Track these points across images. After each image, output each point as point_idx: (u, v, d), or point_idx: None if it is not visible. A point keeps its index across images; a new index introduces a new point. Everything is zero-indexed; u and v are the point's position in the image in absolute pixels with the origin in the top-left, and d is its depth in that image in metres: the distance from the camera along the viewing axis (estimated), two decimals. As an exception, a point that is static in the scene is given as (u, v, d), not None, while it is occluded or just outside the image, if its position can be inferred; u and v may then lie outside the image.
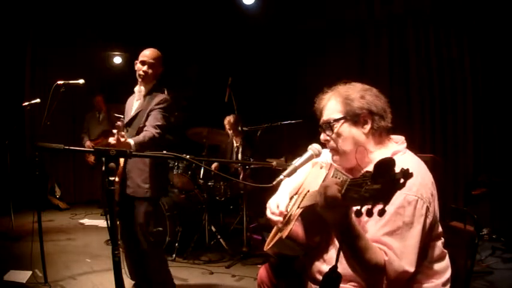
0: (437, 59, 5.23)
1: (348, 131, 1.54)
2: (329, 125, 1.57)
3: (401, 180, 0.93)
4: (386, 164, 0.95)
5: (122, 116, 3.07)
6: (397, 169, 0.95)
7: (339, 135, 1.56)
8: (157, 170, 2.86)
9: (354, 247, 1.26)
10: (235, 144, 5.25)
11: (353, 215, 1.17)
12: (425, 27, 5.28)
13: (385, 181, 0.94)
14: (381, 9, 5.62)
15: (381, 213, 0.96)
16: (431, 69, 5.28)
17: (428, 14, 5.23)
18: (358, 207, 1.01)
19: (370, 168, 1.52)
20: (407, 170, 0.93)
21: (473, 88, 5.01)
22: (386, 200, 0.95)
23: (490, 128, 4.91)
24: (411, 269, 1.31)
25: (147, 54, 2.88)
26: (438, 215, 1.46)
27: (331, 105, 1.59)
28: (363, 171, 1.05)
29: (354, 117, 1.53)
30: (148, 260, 2.88)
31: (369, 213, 0.98)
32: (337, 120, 1.55)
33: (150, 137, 2.62)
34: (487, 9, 4.75)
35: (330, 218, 1.22)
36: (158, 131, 2.68)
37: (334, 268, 1.23)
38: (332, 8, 5.90)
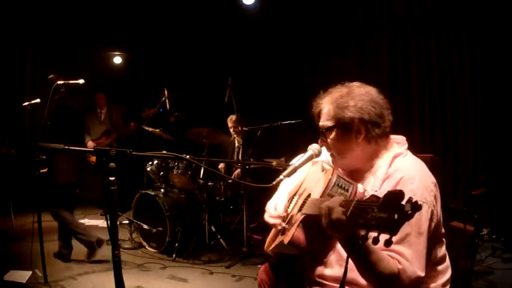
0: (437, 59, 5.22)
1: (340, 139, 1.53)
2: (323, 132, 1.57)
3: (409, 212, 0.94)
4: (395, 196, 0.97)
5: None
6: (405, 198, 0.96)
7: (332, 142, 1.55)
8: None
9: (364, 261, 1.27)
10: (236, 144, 5.23)
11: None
12: (425, 27, 5.27)
13: (393, 212, 0.95)
14: (380, 10, 5.61)
15: (387, 244, 0.97)
16: (431, 70, 5.26)
17: (428, 15, 5.22)
18: (363, 233, 1.02)
19: (371, 172, 1.53)
20: (416, 202, 0.95)
21: (473, 88, 5.00)
22: (393, 231, 0.96)
23: (490, 128, 4.90)
24: (422, 273, 1.32)
25: None
26: (441, 217, 1.46)
27: (325, 111, 1.58)
28: (368, 195, 1.06)
29: (344, 126, 1.50)
30: None
31: (375, 242, 0.99)
32: (329, 129, 1.54)
33: None
34: (488, 10, 4.74)
35: (335, 236, 1.25)
36: None
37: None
38: (332, 9, 5.90)
